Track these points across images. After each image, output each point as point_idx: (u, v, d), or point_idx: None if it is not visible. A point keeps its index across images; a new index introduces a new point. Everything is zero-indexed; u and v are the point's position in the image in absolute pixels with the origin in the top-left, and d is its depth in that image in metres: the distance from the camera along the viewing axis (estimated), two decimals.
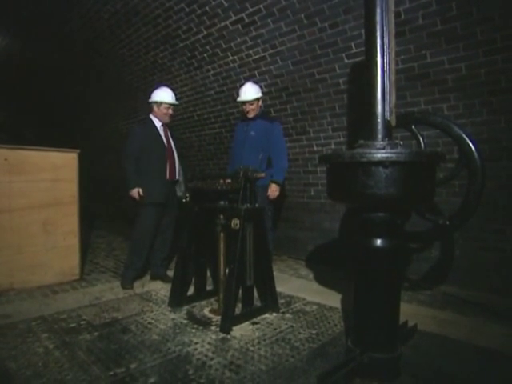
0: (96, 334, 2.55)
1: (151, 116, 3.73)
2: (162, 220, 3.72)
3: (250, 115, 3.81)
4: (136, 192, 3.52)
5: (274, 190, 3.73)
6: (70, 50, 6.60)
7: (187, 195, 3.68)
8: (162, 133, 3.70)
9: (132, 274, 3.65)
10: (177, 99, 5.63)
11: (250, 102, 3.75)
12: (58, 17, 5.87)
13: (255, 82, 4.02)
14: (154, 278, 3.84)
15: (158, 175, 3.60)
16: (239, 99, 3.83)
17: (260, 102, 3.86)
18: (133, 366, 2.11)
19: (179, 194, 3.80)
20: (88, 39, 6.09)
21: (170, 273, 3.62)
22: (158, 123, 3.70)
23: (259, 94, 3.81)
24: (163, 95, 3.66)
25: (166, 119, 3.71)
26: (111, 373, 2.03)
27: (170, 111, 3.70)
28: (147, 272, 3.97)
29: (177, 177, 3.75)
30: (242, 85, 3.94)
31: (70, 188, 3.79)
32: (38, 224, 3.60)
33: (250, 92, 3.76)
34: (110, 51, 6.06)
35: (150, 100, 3.70)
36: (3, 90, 9.72)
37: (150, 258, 3.86)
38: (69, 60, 6.97)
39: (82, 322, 2.75)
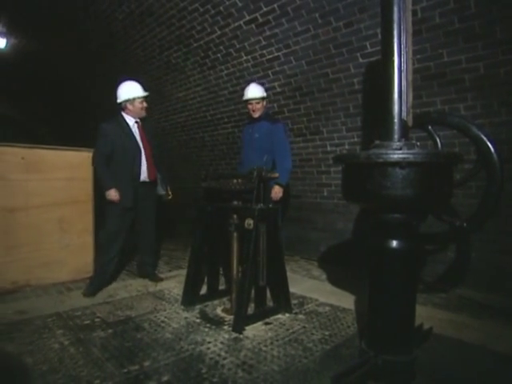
0: (110, 331, 2.57)
1: (123, 114, 3.46)
2: (139, 224, 3.60)
3: (256, 114, 3.78)
4: (113, 192, 3.29)
5: (276, 192, 3.68)
6: (85, 50, 6.68)
7: (170, 193, 3.79)
8: (136, 131, 3.47)
9: (97, 282, 3.39)
10: (190, 99, 5.65)
11: (257, 101, 3.73)
12: (73, 17, 5.95)
13: (260, 83, 4.03)
14: (141, 275, 3.88)
15: (129, 178, 3.37)
16: (246, 97, 3.79)
17: (265, 103, 3.85)
18: (146, 363, 2.13)
19: (162, 192, 3.73)
20: (103, 39, 6.16)
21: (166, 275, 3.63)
22: (130, 121, 3.45)
23: (265, 94, 3.81)
24: (133, 90, 3.38)
25: (143, 114, 3.48)
26: (125, 370, 2.05)
27: (145, 104, 3.45)
28: (158, 270, 4.00)
29: (156, 177, 3.59)
30: (246, 85, 3.94)
31: (85, 187, 3.83)
32: (54, 222, 3.65)
33: (257, 90, 3.76)
34: (124, 51, 6.12)
35: (119, 100, 3.42)
36: (17, 87, 9.88)
37: (137, 261, 3.93)
38: (83, 60, 7.05)
39: (96, 320, 2.78)
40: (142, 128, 3.51)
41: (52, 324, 2.68)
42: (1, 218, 3.34)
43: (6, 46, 7.44)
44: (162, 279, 3.83)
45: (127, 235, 3.48)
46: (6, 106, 12.46)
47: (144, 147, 3.46)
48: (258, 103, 3.75)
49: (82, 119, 9.80)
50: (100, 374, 2.00)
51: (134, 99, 3.37)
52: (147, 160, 3.47)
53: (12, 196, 3.41)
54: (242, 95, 4.93)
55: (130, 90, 3.38)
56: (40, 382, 1.92)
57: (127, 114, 3.45)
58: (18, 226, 3.43)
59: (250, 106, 3.79)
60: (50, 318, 2.78)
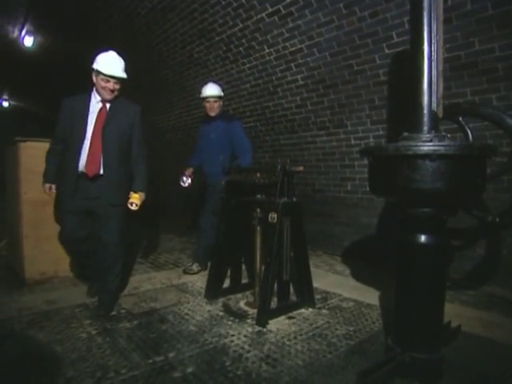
0: (135, 322, 2.62)
1: (94, 89, 2.79)
2: (94, 231, 2.84)
3: (213, 113, 3.80)
4: (47, 188, 2.86)
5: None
6: (109, 47, 6.78)
7: (135, 202, 2.77)
8: (92, 113, 2.74)
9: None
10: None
11: (215, 99, 3.77)
12: (96, 15, 6.04)
13: (217, 83, 4.10)
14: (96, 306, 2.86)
15: (69, 168, 2.73)
16: (204, 95, 3.80)
17: (221, 102, 3.90)
18: (171, 355, 2.15)
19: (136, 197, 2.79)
20: (126, 35, 6.23)
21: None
22: (94, 99, 2.77)
23: (222, 93, 3.87)
24: (102, 63, 2.67)
25: (105, 95, 2.72)
26: (150, 361, 2.08)
27: (111, 85, 2.69)
28: (181, 264, 4.03)
29: (101, 171, 2.71)
30: (203, 84, 3.98)
31: None
32: None
33: (215, 88, 3.81)
34: (146, 47, 6.17)
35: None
36: (42, 84, 10.14)
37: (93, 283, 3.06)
38: None
39: (122, 311, 2.83)
40: (106, 112, 2.77)
41: (80, 314, 2.75)
42: (31, 211, 3.44)
43: (33, 44, 7.64)
44: (110, 312, 2.79)
45: (88, 235, 2.85)
46: (32, 102, 12.85)
47: (93, 134, 2.71)
48: (216, 102, 3.78)
49: None
50: (127, 364, 2.04)
51: (98, 72, 2.67)
52: (91, 150, 2.70)
53: (41, 190, 3.49)
54: (265, 88, 4.96)
55: (100, 61, 2.70)
56: (70, 369, 1.98)
57: (96, 89, 2.78)
58: (47, 218, 3.52)
59: (207, 105, 3.80)
60: (77, 309, 2.85)
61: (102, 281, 2.87)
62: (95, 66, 2.67)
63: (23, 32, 7.33)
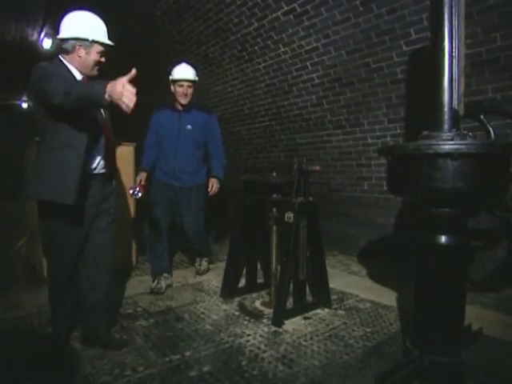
0: (152, 320, 2.64)
1: (62, 59, 2.07)
2: (90, 239, 2.19)
3: (186, 100, 3.24)
4: (120, 83, 1.72)
5: (215, 184, 3.33)
6: (124, 48, 6.85)
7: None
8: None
9: (57, 326, 2.19)
10: (227, 93, 5.55)
11: (189, 84, 3.22)
12: (113, 16, 6.11)
13: (192, 64, 3.46)
14: (86, 336, 2.24)
15: (76, 162, 1.93)
16: (178, 77, 3.21)
17: (194, 90, 3.32)
18: (187, 353, 2.16)
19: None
20: (141, 36, 6.29)
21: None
22: (77, 75, 2.07)
23: (197, 78, 3.33)
24: (95, 28, 2.06)
25: (89, 70, 2.09)
26: (167, 359, 2.09)
27: (104, 59, 2.13)
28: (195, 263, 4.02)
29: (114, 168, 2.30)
30: (175, 64, 3.37)
31: (126, 180, 3.92)
32: None
33: (191, 71, 3.27)
34: (162, 47, 6.22)
35: (64, 35, 2.06)
36: None
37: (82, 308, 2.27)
38: (122, 57, 7.25)
39: (138, 309, 2.86)
40: None
41: None
42: None
43: (51, 46, 7.78)
44: (122, 347, 2.21)
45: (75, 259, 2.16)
46: None
47: (102, 121, 2.14)
48: (190, 87, 3.23)
49: (121, 116, 10.09)
50: (143, 362, 2.05)
51: (91, 42, 2.03)
52: (106, 139, 2.13)
53: None
54: (280, 88, 4.94)
55: (91, 27, 2.06)
56: (88, 366, 2.01)
57: (71, 62, 2.07)
58: None
59: (180, 89, 3.21)
60: None
61: (96, 315, 2.22)
62: (89, 35, 2.04)
63: (42, 34, 7.48)
